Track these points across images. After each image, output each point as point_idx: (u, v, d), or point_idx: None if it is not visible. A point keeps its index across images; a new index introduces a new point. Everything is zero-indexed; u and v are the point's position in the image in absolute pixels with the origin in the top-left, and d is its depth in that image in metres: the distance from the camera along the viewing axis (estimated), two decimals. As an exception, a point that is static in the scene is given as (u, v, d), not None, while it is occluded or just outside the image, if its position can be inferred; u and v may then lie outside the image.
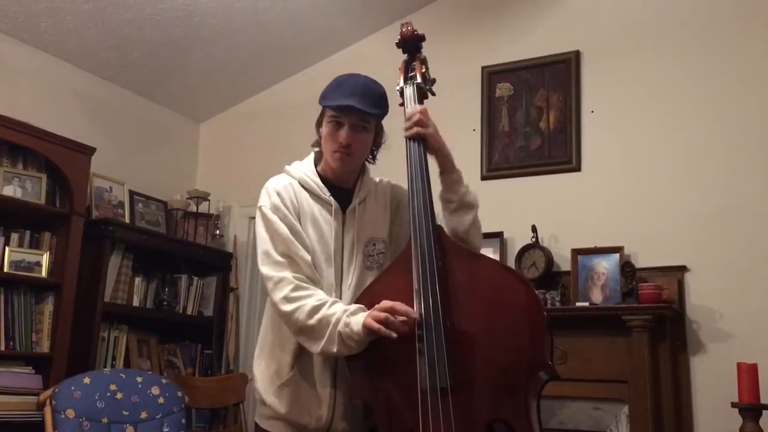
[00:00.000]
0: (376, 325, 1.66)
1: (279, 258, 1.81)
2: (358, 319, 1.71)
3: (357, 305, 1.77)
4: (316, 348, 1.75)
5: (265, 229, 1.86)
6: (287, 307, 1.76)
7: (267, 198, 1.90)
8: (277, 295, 1.78)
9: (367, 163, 2.01)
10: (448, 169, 1.93)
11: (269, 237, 1.85)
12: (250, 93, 4.78)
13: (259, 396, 1.89)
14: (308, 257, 1.83)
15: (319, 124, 1.96)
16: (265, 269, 1.83)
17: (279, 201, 1.87)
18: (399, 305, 1.69)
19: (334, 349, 1.72)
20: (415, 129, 1.88)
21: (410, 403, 1.67)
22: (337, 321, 1.72)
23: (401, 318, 1.67)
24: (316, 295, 1.78)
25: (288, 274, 1.79)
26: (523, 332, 1.70)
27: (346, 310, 1.74)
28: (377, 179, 2.04)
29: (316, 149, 2.00)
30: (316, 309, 1.74)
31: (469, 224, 1.94)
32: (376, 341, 1.73)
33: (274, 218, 1.85)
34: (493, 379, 1.68)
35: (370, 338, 1.70)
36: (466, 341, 1.69)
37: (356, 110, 1.85)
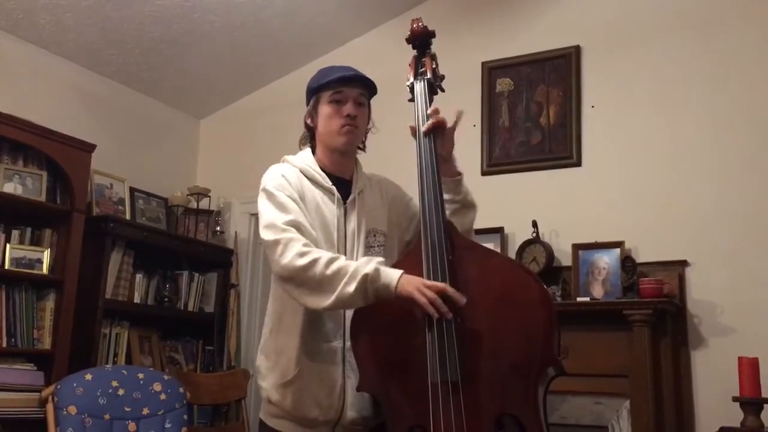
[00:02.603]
0: (422, 299, 1.64)
1: (285, 226, 1.79)
2: (391, 273, 1.69)
3: (380, 258, 1.78)
4: (329, 299, 1.70)
5: (270, 203, 1.85)
6: (302, 261, 1.73)
7: (272, 179, 1.90)
8: (290, 253, 1.74)
9: (357, 153, 2.04)
10: (454, 171, 1.97)
11: (276, 208, 1.83)
12: (250, 89, 4.78)
13: (266, 394, 1.87)
14: (314, 233, 1.83)
15: (311, 116, 1.98)
16: (271, 236, 1.79)
17: (285, 182, 1.88)
18: (452, 290, 1.67)
19: (351, 289, 1.68)
20: (442, 118, 1.91)
21: (419, 397, 1.68)
22: (360, 266, 1.70)
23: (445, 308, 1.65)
24: (328, 252, 1.77)
25: (297, 235, 1.78)
26: (533, 328, 1.70)
27: (371, 259, 1.74)
28: (367, 173, 2.06)
29: (306, 145, 2.02)
30: (333, 259, 1.73)
31: (471, 223, 1.99)
32: (388, 332, 1.73)
33: (280, 194, 1.85)
34: (502, 374, 1.68)
35: (393, 298, 1.68)
36: (477, 336, 1.70)
37: (359, 78, 1.92)
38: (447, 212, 1.95)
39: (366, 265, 1.71)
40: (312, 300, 1.75)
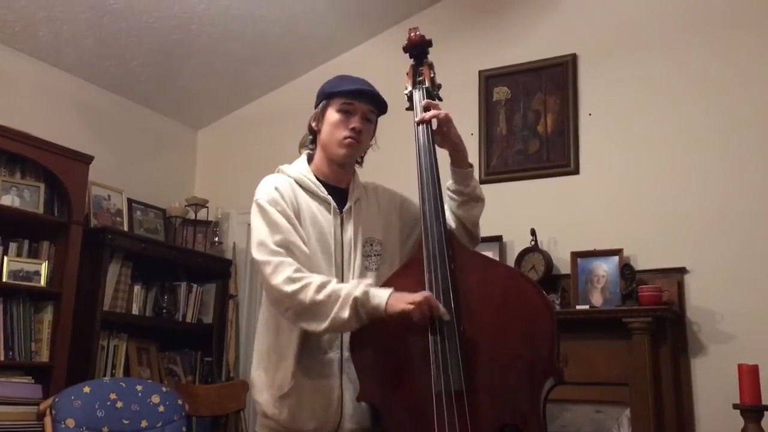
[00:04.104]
0: (413, 308, 1.64)
1: (275, 248, 1.78)
2: (380, 293, 1.69)
3: (368, 280, 1.78)
4: (323, 323, 1.70)
5: (262, 220, 1.84)
6: (292, 287, 1.72)
7: (265, 192, 1.89)
8: (280, 277, 1.74)
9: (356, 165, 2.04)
10: (463, 163, 1.98)
11: (267, 227, 1.82)
12: (247, 100, 4.78)
13: (261, 409, 1.85)
14: (306, 250, 1.82)
15: (316, 118, 1.96)
16: (261, 256, 1.79)
17: (278, 195, 1.87)
18: (434, 302, 1.67)
19: (345, 315, 1.68)
20: (441, 113, 1.91)
21: (420, 407, 1.67)
22: (350, 291, 1.69)
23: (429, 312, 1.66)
24: (319, 276, 1.76)
25: (287, 258, 1.77)
26: (535, 337, 1.69)
27: (359, 282, 1.74)
28: (363, 182, 2.05)
29: (307, 151, 2.01)
30: (323, 285, 1.72)
31: (478, 216, 2.00)
32: (389, 342, 1.73)
33: (272, 210, 1.84)
34: (504, 383, 1.67)
35: (384, 316, 1.68)
36: (479, 345, 1.69)
37: (373, 94, 1.92)
38: (454, 204, 1.98)
39: (355, 288, 1.70)
40: (304, 323, 1.75)
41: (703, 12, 3.57)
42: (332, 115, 1.92)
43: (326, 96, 1.95)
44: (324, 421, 1.79)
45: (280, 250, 1.78)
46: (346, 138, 1.90)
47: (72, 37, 3.83)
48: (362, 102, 1.92)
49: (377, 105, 1.95)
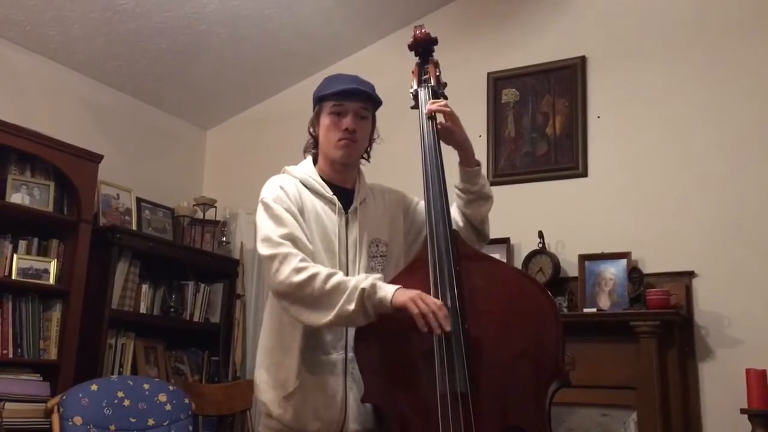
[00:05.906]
0: (416, 310, 1.63)
1: (280, 240, 1.79)
2: (387, 287, 1.69)
3: (377, 274, 1.78)
4: (328, 315, 1.70)
5: (267, 215, 1.85)
6: (299, 277, 1.72)
7: (270, 191, 1.90)
8: (286, 269, 1.74)
9: (361, 162, 2.04)
10: (470, 162, 1.98)
11: (272, 222, 1.83)
12: (256, 100, 4.79)
13: (266, 409, 1.85)
14: (310, 247, 1.82)
15: (313, 124, 1.98)
16: (267, 251, 1.79)
17: (283, 194, 1.88)
18: (445, 311, 1.66)
19: (351, 307, 1.67)
20: (448, 109, 1.92)
21: (425, 409, 1.67)
22: (358, 282, 1.69)
23: (436, 323, 1.64)
24: (325, 267, 1.77)
25: (294, 250, 1.77)
26: (541, 339, 1.70)
27: (368, 275, 1.74)
28: (369, 183, 2.06)
29: (310, 153, 2.02)
30: (330, 275, 1.72)
31: (486, 214, 2.01)
32: (393, 343, 1.72)
33: (277, 206, 1.85)
34: (510, 385, 1.67)
35: (391, 311, 1.67)
36: (484, 347, 1.69)
37: (360, 92, 1.91)
38: (462, 203, 1.98)
39: (363, 280, 1.70)
40: (309, 316, 1.73)
41: (712, 18, 3.56)
42: (325, 119, 1.93)
43: (317, 100, 1.96)
44: (328, 421, 1.79)
45: (285, 241, 1.78)
46: (340, 140, 1.91)
47: (82, 37, 3.85)
48: (352, 101, 1.91)
49: (369, 100, 1.95)
